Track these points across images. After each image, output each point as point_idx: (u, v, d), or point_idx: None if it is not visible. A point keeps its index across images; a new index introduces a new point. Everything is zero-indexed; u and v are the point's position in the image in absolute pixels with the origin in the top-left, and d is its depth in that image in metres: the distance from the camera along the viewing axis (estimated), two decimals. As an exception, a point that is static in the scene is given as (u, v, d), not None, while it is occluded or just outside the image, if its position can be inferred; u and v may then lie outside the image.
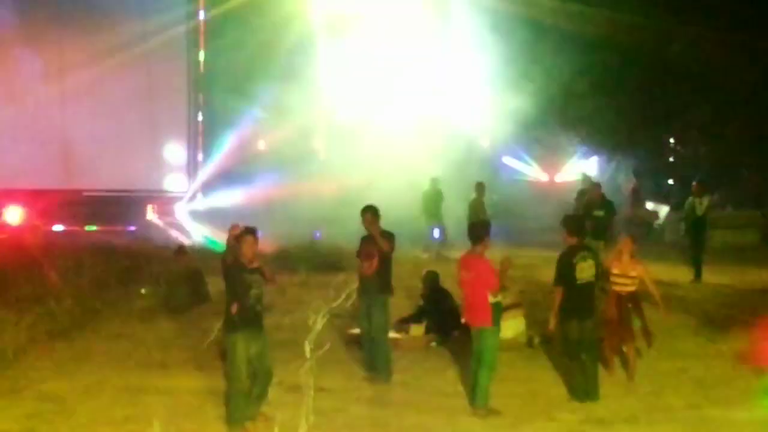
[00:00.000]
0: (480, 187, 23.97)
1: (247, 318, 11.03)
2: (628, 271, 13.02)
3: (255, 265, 11.10)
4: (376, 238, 12.91)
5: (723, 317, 16.54)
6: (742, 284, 20.03)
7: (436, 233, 24.94)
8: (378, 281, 12.97)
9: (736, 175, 32.60)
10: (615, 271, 13.06)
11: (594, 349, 12.31)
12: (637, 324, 13.05)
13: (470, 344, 12.04)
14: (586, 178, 24.66)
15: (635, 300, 13.18)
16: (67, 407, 11.76)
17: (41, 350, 14.37)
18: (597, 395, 12.15)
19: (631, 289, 13.06)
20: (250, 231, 11.12)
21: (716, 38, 27.57)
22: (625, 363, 13.27)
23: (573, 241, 12.28)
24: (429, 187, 25.38)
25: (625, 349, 13.26)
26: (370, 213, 13.09)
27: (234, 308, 10.98)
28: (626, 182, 32.43)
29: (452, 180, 25.95)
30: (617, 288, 13.03)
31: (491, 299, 11.70)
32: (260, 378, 11.13)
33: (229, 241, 11.15)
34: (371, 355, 13.24)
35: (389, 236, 13.07)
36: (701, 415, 11.59)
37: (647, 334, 13.10)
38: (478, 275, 11.72)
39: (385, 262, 13.03)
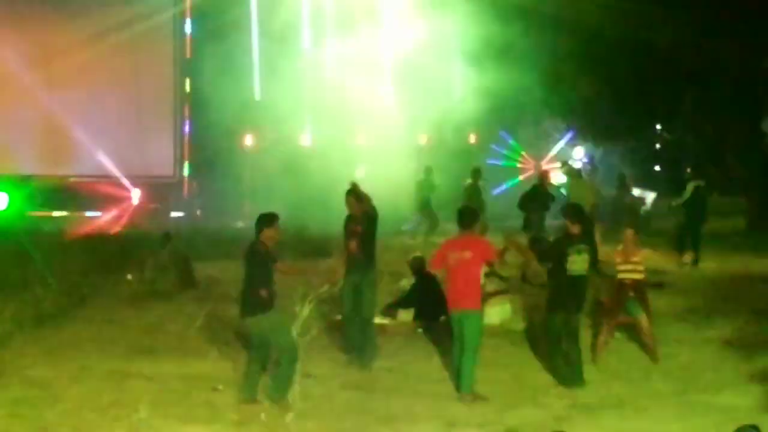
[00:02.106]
0: (476, 173, 24.13)
1: (273, 301, 11.40)
2: (630, 257, 13.43)
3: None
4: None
5: (710, 303, 16.56)
6: (728, 270, 20.07)
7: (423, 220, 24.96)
8: (363, 257, 13.02)
9: (722, 162, 32.63)
10: (618, 259, 13.50)
11: (576, 338, 12.34)
12: (639, 314, 13.30)
13: (453, 328, 12.05)
14: (568, 168, 24.56)
15: (640, 290, 13.46)
16: (53, 393, 11.73)
17: (28, 336, 14.33)
18: (582, 381, 12.18)
19: (636, 276, 13.39)
20: (277, 217, 11.66)
21: (703, 25, 27.57)
22: (646, 347, 13.43)
23: (575, 230, 12.33)
24: (423, 176, 25.40)
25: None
26: (354, 196, 13.12)
27: (265, 292, 11.26)
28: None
29: (444, 168, 26.01)
30: (621, 275, 13.41)
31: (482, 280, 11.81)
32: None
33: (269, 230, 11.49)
34: (362, 336, 13.21)
35: (372, 215, 13.13)
36: (688, 400, 11.62)
37: (648, 332, 13.37)
38: (478, 252, 11.80)
39: (368, 238, 13.09)
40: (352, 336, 13.34)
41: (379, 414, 11.12)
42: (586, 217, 13.53)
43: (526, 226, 20.01)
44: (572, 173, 22.69)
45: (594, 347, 13.34)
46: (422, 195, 25.05)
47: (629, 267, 13.45)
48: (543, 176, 21.59)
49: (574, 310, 12.21)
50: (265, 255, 11.34)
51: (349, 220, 13.24)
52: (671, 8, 27.30)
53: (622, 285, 13.46)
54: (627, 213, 27.43)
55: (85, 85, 27.41)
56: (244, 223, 25.29)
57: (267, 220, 11.50)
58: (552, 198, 20.70)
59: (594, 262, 12.57)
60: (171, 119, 28.74)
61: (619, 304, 13.46)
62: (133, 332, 14.91)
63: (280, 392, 11.25)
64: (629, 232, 13.86)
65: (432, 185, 25.24)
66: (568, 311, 12.17)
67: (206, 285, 18.27)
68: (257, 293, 11.24)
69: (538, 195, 20.40)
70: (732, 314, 15.47)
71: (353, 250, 12.99)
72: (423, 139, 28.45)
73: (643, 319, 13.35)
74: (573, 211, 12.77)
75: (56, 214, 26.78)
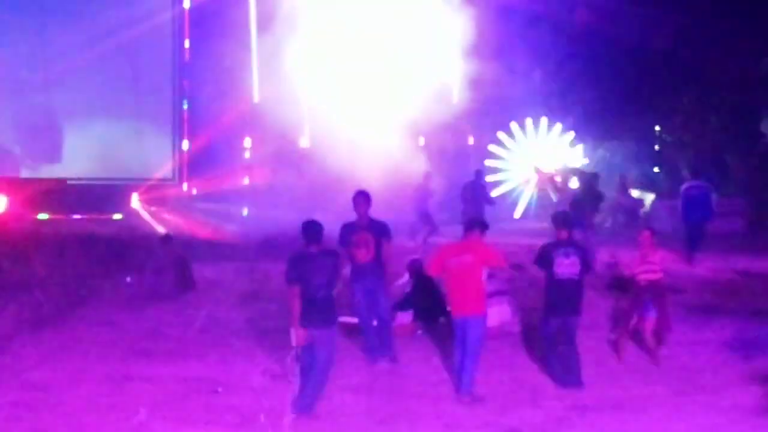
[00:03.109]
0: (478, 174, 24.26)
1: None
2: (646, 258, 13.57)
3: None
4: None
5: (709, 304, 16.55)
6: (727, 271, 20.04)
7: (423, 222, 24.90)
8: (377, 267, 12.95)
9: (721, 163, 32.62)
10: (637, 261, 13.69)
11: (572, 340, 12.38)
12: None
13: (455, 332, 12.07)
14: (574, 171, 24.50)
15: (657, 290, 13.53)
16: (52, 395, 11.73)
17: (26, 339, 14.30)
18: (580, 383, 12.21)
19: (652, 276, 13.48)
20: None
21: (702, 27, 27.64)
22: (618, 350, 13.52)
23: (562, 235, 12.48)
24: (422, 182, 25.28)
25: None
26: (363, 198, 13.05)
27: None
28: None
29: (442, 170, 26.08)
30: (640, 276, 13.51)
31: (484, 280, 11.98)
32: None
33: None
34: (380, 339, 13.25)
35: (383, 225, 13.13)
36: (687, 401, 11.63)
37: (659, 332, 13.50)
38: (480, 256, 11.90)
39: (379, 245, 13.00)
40: (371, 339, 13.35)
41: (378, 415, 11.13)
42: (573, 222, 13.66)
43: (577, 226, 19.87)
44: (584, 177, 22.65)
45: (615, 346, 13.58)
46: (419, 202, 24.94)
47: (645, 267, 13.55)
48: (593, 177, 21.68)
49: (568, 313, 12.28)
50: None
51: (355, 226, 13.07)
52: (670, 10, 27.37)
53: (638, 286, 13.57)
54: (625, 214, 27.50)
55: (83, 87, 27.36)
56: (241, 225, 25.33)
57: (320, 228, 11.37)
58: (602, 198, 20.87)
59: (588, 265, 12.63)
60: (170, 121, 28.70)
61: (635, 305, 13.56)
62: (132, 334, 14.87)
63: (312, 401, 11.11)
64: (646, 234, 13.99)
65: (429, 191, 25.14)
66: (561, 314, 12.28)
67: (205, 287, 18.25)
68: (334, 302, 11.21)
69: (589, 195, 20.49)
70: (731, 315, 15.47)
71: (363, 259, 12.74)
72: (421, 141, 28.32)
73: (649, 320, 13.43)
74: (559, 217, 12.95)
75: (54, 216, 26.72)
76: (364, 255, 12.70)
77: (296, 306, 10.87)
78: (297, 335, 10.89)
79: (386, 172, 24.81)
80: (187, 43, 28.42)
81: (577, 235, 17.73)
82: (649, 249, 13.71)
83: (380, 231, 13.04)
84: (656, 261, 13.66)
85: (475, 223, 12.58)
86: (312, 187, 26.02)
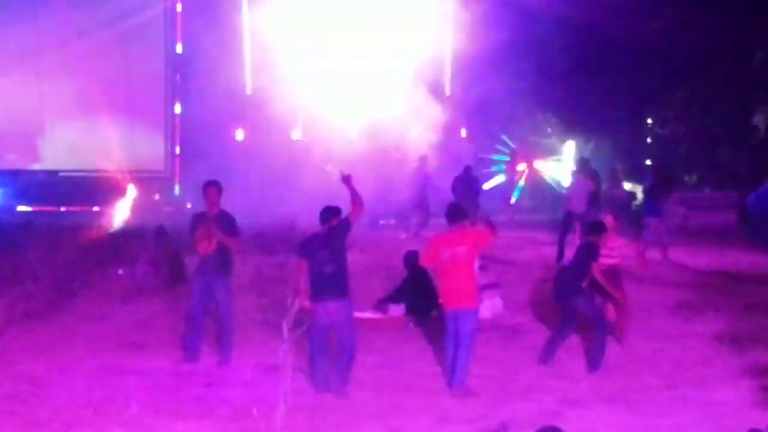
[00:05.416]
0: (467, 168, 24.31)
1: None
2: (607, 242, 13.75)
3: None
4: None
5: (700, 298, 16.57)
6: (719, 265, 20.07)
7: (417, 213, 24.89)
8: (219, 261, 12.73)
9: (713, 156, 32.69)
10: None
11: (601, 324, 12.77)
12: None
13: (446, 325, 12.09)
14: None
15: (614, 275, 13.82)
16: (44, 388, 11.72)
17: (18, 331, 14.29)
18: (597, 368, 12.54)
19: (610, 261, 13.83)
20: None
21: (694, 20, 27.67)
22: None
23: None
24: (418, 165, 25.26)
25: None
26: (214, 188, 12.88)
27: None
28: None
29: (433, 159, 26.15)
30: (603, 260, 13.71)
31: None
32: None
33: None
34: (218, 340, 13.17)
35: (230, 217, 12.91)
36: (678, 395, 11.65)
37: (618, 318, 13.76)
38: (473, 245, 11.92)
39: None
40: (194, 338, 13.04)
41: (370, 409, 11.12)
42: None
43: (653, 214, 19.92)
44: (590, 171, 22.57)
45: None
46: (416, 186, 24.90)
47: (605, 252, 13.63)
48: (662, 168, 21.81)
49: (557, 297, 13.12)
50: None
51: (204, 217, 12.81)
52: (663, 3, 27.40)
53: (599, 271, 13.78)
54: (617, 206, 27.55)
55: (75, 80, 27.34)
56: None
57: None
58: (672, 187, 21.11)
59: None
60: (162, 114, 28.69)
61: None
62: (124, 327, 14.86)
63: (343, 383, 11.61)
64: (609, 219, 14.43)
65: (427, 175, 25.11)
66: (556, 298, 13.10)
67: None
68: (347, 277, 11.56)
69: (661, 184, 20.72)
70: (723, 309, 15.49)
71: (206, 251, 12.63)
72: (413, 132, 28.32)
73: (610, 306, 13.71)
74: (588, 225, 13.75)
75: (46, 209, 26.71)
76: (205, 247, 12.63)
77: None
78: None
79: (380, 165, 24.87)
80: (179, 36, 28.40)
81: (653, 222, 18.24)
82: (611, 234, 13.92)
83: (226, 224, 12.75)
84: (615, 247, 14.09)
85: (456, 214, 12.33)
86: (304, 179, 25.99)
